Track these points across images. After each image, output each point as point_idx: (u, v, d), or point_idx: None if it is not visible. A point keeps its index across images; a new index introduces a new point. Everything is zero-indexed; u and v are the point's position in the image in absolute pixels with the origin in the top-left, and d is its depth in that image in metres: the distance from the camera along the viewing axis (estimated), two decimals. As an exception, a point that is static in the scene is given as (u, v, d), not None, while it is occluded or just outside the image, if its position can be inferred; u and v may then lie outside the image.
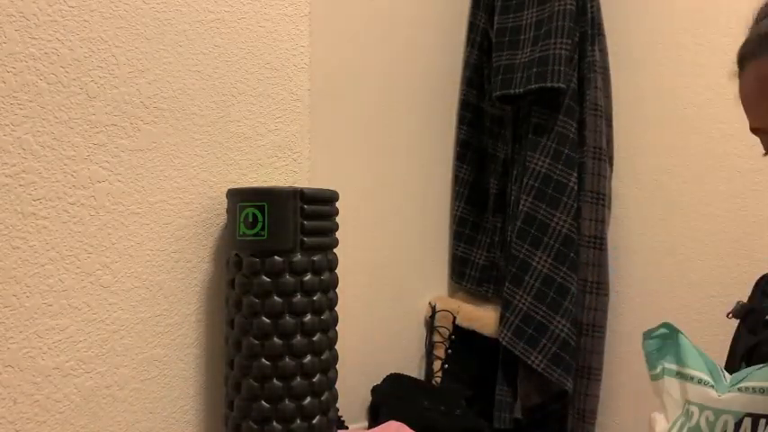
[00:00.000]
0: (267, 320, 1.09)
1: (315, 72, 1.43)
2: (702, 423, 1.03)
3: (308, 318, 1.11)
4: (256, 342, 1.09)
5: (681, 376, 1.10)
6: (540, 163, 1.54)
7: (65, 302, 1.06)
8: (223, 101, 1.26)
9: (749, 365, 1.09)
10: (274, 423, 1.09)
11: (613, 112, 1.65)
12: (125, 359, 1.13)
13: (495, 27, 1.67)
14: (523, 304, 1.52)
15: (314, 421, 1.12)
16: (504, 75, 1.60)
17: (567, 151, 1.52)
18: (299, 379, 1.11)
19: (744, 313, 1.15)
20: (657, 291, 1.56)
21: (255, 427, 1.09)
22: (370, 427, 1.53)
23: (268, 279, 1.09)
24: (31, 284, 1.02)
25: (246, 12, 1.29)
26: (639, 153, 1.61)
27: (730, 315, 1.18)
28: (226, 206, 1.26)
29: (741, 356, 1.14)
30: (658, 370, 1.14)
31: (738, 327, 1.17)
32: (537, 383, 1.56)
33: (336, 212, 1.20)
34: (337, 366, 1.22)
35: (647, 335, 1.16)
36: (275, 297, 1.09)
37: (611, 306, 1.63)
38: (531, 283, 1.52)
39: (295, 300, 1.10)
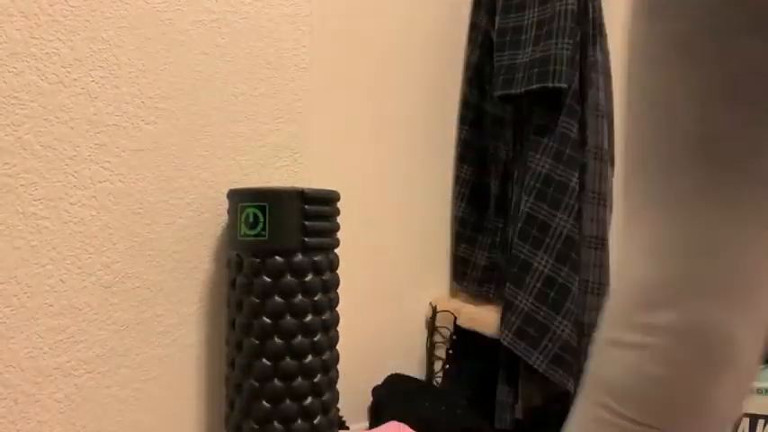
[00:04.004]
0: (268, 321, 1.09)
1: (315, 72, 1.43)
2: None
3: (309, 318, 1.11)
4: (257, 342, 1.09)
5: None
6: (541, 163, 1.54)
7: (66, 303, 1.06)
8: (224, 101, 1.26)
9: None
10: (275, 423, 1.09)
11: (615, 113, 1.65)
12: (126, 359, 1.13)
13: (496, 27, 1.67)
14: (525, 305, 1.52)
15: (315, 421, 1.12)
16: (505, 75, 1.60)
17: (568, 152, 1.52)
18: (300, 379, 1.11)
19: None
20: (659, 291, 1.56)
21: (256, 427, 1.09)
22: (371, 427, 1.53)
23: (269, 279, 1.09)
24: (33, 285, 1.02)
25: (247, 12, 1.29)
26: (641, 153, 1.60)
27: None
28: (227, 206, 1.26)
29: None
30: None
31: None
32: (538, 384, 1.55)
33: (337, 213, 1.20)
34: (338, 366, 1.22)
35: None
36: (276, 297, 1.09)
37: (613, 306, 1.62)
38: (533, 284, 1.52)
39: (296, 300, 1.10)
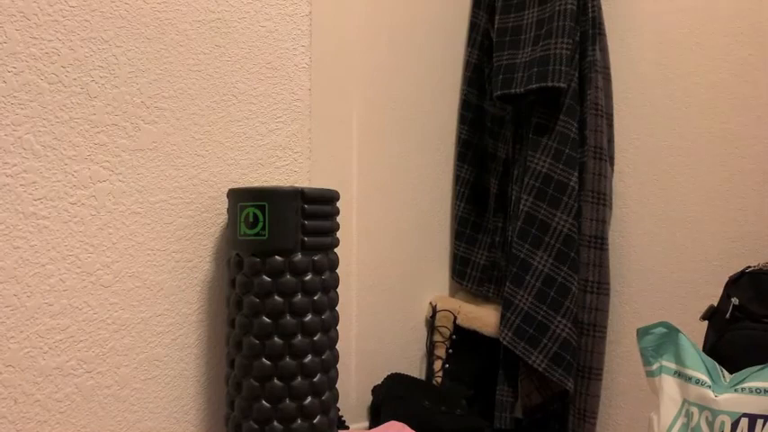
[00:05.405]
0: (268, 320, 1.09)
1: (315, 72, 1.44)
2: (702, 423, 1.03)
3: (308, 318, 1.12)
4: (257, 342, 1.10)
5: (679, 375, 1.10)
6: (540, 163, 1.54)
7: (66, 302, 1.06)
8: (224, 101, 1.26)
9: (720, 363, 1.11)
10: (275, 423, 1.09)
11: (614, 112, 1.65)
12: (126, 359, 1.13)
13: (495, 26, 1.67)
14: (524, 304, 1.52)
15: (315, 421, 1.12)
16: (504, 74, 1.60)
17: (567, 151, 1.52)
18: (299, 379, 1.11)
19: (710, 314, 1.19)
20: (658, 291, 1.56)
21: (256, 426, 1.09)
22: (371, 427, 1.53)
23: (269, 279, 1.10)
24: (32, 284, 1.02)
25: (247, 11, 1.29)
26: (640, 153, 1.60)
27: (701, 318, 1.22)
28: (226, 206, 1.26)
29: (708, 355, 1.17)
30: (654, 367, 1.15)
31: (707, 327, 1.20)
32: (538, 383, 1.56)
33: (337, 212, 1.20)
34: (338, 366, 1.22)
35: (643, 332, 1.17)
36: (276, 297, 1.09)
37: (612, 306, 1.63)
38: (532, 283, 1.52)
39: (296, 299, 1.10)
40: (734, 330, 1.14)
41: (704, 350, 1.19)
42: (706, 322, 1.24)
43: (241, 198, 1.13)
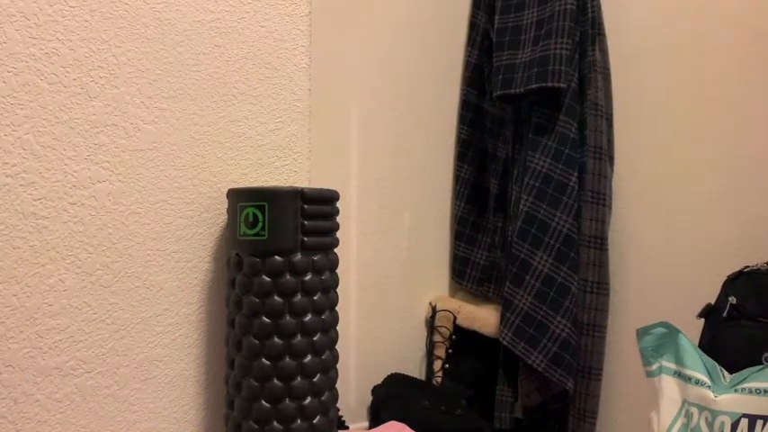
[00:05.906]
0: (268, 320, 1.09)
1: (315, 72, 1.43)
2: (702, 424, 1.03)
3: (308, 318, 1.12)
4: (257, 342, 1.10)
5: (679, 376, 1.10)
6: (540, 163, 1.54)
7: (65, 302, 1.06)
8: (223, 101, 1.26)
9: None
10: (275, 423, 1.09)
11: (614, 112, 1.65)
12: (125, 359, 1.13)
13: (495, 27, 1.67)
14: (524, 304, 1.52)
15: (314, 421, 1.12)
16: (504, 74, 1.60)
17: (567, 151, 1.52)
18: (299, 379, 1.11)
19: (707, 312, 1.20)
20: (657, 291, 1.56)
21: (256, 426, 1.09)
22: (371, 427, 1.53)
23: (268, 279, 1.10)
24: (32, 284, 1.02)
25: (247, 12, 1.29)
26: (640, 153, 1.60)
27: (698, 316, 1.22)
28: (226, 206, 1.26)
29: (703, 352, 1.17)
30: (654, 367, 1.15)
31: (703, 326, 1.21)
32: (537, 383, 1.56)
33: (337, 212, 1.20)
34: (338, 366, 1.22)
35: (643, 332, 1.17)
36: (276, 297, 1.10)
37: (612, 306, 1.62)
38: (532, 283, 1.52)
39: (295, 300, 1.10)
40: (729, 329, 1.14)
41: (700, 348, 1.19)
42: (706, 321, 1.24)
43: (241, 198, 1.13)
